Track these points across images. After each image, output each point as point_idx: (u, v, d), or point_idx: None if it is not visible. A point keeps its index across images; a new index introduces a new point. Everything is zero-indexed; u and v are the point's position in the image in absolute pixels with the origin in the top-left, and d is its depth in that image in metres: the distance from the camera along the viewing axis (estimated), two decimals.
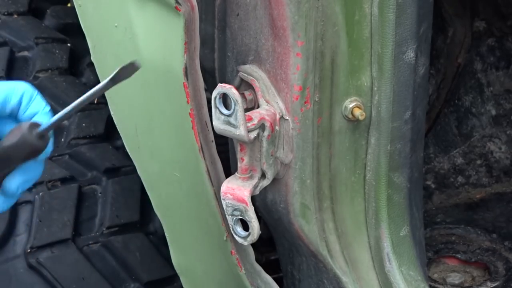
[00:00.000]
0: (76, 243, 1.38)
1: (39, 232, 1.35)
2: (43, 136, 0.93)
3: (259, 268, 1.19)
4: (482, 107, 1.90)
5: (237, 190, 1.03)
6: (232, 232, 1.05)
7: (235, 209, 1.03)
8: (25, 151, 0.93)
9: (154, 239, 1.45)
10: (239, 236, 1.05)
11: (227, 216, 1.04)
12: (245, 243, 1.05)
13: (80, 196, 1.41)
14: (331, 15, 1.01)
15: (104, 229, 1.41)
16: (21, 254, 1.34)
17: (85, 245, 1.39)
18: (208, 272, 1.27)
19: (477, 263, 1.62)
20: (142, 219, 1.45)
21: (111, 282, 1.38)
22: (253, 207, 1.03)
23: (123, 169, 1.48)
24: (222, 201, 1.04)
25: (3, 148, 0.93)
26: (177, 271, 1.31)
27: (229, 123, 0.98)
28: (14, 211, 1.36)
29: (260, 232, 1.04)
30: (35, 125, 0.94)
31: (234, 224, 1.04)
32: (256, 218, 1.03)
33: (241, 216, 1.03)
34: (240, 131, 0.98)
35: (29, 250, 1.34)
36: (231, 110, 0.97)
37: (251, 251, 1.18)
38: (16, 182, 0.96)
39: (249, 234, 1.04)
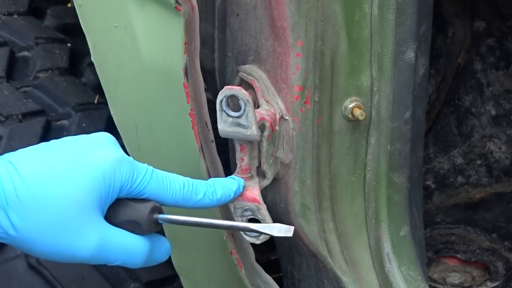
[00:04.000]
0: None
1: None
2: (156, 224, 0.94)
3: (259, 268, 1.19)
4: (482, 107, 1.90)
5: (245, 190, 1.03)
6: (242, 233, 1.05)
7: (246, 210, 1.03)
8: (132, 228, 0.93)
9: None
10: (251, 236, 1.05)
11: (235, 218, 1.04)
12: (258, 242, 1.05)
13: None
14: (331, 15, 1.01)
15: None
16: (21, 254, 1.33)
17: None
18: (208, 272, 1.27)
19: (477, 263, 1.62)
20: None
21: (111, 282, 1.38)
22: (265, 205, 1.03)
23: None
24: (230, 203, 1.03)
25: (120, 221, 0.93)
26: (177, 271, 1.31)
27: (238, 125, 0.98)
28: None
29: None
30: (157, 208, 0.94)
31: None
32: (269, 215, 1.03)
33: (252, 215, 1.03)
34: (252, 131, 0.98)
35: None
36: (241, 111, 0.97)
37: (251, 251, 1.18)
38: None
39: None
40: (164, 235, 1.00)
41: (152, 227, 0.94)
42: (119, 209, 0.93)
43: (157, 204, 0.95)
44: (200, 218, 0.96)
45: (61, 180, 0.88)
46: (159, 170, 0.97)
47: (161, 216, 0.95)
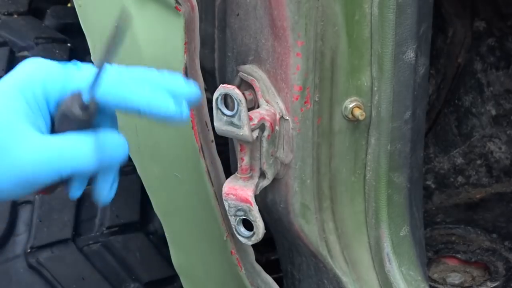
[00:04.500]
0: (76, 243, 1.38)
1: (39, 232, 1.35)
2: (87, 107, 0.82)
3: (259, 268, 1.19)
4: (482, 107, 1.90)
5: (240, 190, 1.03)
6: (235, 232, 1.05)
7: (239, 210, 1.03)
8: (68, 126, 0.82)
9: (154, 239, 1.45)
10: (243, 236, 1.05)
11: (229, 216, 1.04)
12: (249, 243, 1.05)
13: (80, 196, 1.41)
14: (331, 15, 1.01)
15: (104, 229, 1.41)
16: (21, 254, 1.34)
17: (85, 245, 1.38)
18: (208, 272, 1.27)
19: (477, 263, 1.62)
20: (142, 219, 1.45)
21: (111, 282, 1.38)
22: (257, 207, 1.03)
23: (123, 169, 1.48)
24: (224, 202, 1.03)
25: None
26: (177, 271, 1.31)
27: (232, 124, 0.98)
28: (14, 211, 1.36)
29: (265, 231, 1.04)
30: (79, 93, 0.82)
31: (237, 224, 1.04)
32: (261, 218, 1.03)
33: (244, 216, 1.03)
34: (244, 131, 0.98)
35: (29, 250, 1.34)
36: (234, 111, 0.97)
37: (251, 251, 1.18)
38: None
39: (253, 233, 1.04)
40: None
41: (85, 114, 0.82)
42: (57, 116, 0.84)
43: (79, 91, 0.83)
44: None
45: None
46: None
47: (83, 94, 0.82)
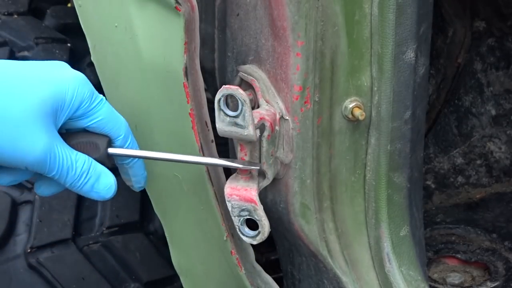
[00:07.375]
0: (76, 243, 1.38)
1: (39, 232, 1.35)
2: (108, 156, 1.00)
3: (259, 268, 1.19)
4: (482, 107, 1.90)
5: (243, 190, 1.02)
6: (239, 233, 1.05)
7: (243, 210, 1.03)
8: (86, 149, 0.99)
9: (154, 239, 1.45)
10: (247, 236, 1.04)
11: (233, 217, 1.04)
12: (254, 242, 1.04)
13: (80, 196, 1.41)
14: (331, 15, 1.01)
15: (104, 229, 1.41)
16: (21, 254, 1.34)
17: (85, 245, 1.38)
18: (208, 272, 1.27)
19: (477, 263, 1.62)
20: (142, 219, 1.45)
21: (111, 282, 1.38)
22: (262, 206, 1.02)
23: None
24: (228, 203, 1.03)
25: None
26: (177, 271, 1.31)
27: (235, 124, 0.98)
28: (14, 211, 1.36)
29: (270, 230, 1.03)
30: (110, 141, 1.01)
31: (241, 224, 1.04)
32: (266, 217, 1.02)
33: (249, 216, 1.03)
34: (248, 131, 0.97)
35: (29, 250, 1.34)
36: (238, 111, 0.96)
37: (251, 251, 1.18)
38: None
39: (258, 233, 1.03)
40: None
41: (106, 158, 1.00)
42: (79, 134, 0.99)
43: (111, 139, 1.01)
44: (158, 152, 1.02)
45: (18, 94, 0.91)
46: None
47: (112, 149, 1.00)
